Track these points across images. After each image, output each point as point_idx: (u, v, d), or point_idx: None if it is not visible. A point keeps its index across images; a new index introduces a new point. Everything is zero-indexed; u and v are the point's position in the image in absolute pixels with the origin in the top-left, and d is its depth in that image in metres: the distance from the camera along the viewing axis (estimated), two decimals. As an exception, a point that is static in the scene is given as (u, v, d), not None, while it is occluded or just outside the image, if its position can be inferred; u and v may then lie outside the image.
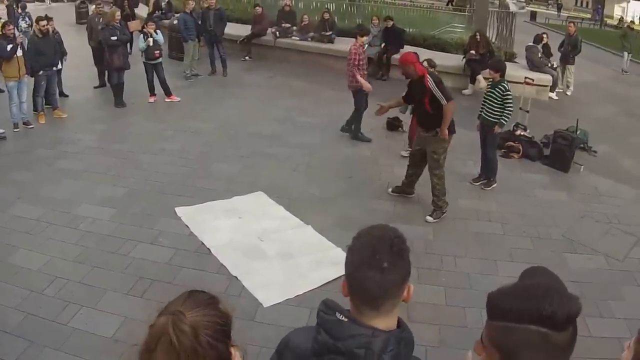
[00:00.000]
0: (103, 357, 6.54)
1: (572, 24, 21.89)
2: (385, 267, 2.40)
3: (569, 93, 20.01)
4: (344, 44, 20.29)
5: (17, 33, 14.01)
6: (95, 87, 17.69)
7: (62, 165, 11.82)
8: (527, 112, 14.33)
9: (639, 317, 7.59)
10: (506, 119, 11.03)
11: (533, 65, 18.98)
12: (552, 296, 2.12)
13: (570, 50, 19.98)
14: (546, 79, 18.68)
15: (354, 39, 13.43)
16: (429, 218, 10.15)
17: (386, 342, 2.39)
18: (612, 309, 7.84)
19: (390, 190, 10.76)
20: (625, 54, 27.61)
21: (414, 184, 10.70)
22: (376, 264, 2.40)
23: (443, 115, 9.65)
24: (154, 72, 16.19)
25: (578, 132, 13.70)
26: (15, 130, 13.78)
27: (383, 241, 2.47)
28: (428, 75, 9.62)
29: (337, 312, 2.49)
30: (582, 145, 13.78)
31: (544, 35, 20.41)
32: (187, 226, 9.49)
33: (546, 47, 19.92)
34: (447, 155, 10.08)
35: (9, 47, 13.24)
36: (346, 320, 2.46)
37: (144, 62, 16.16)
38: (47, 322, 7.08)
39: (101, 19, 17.09)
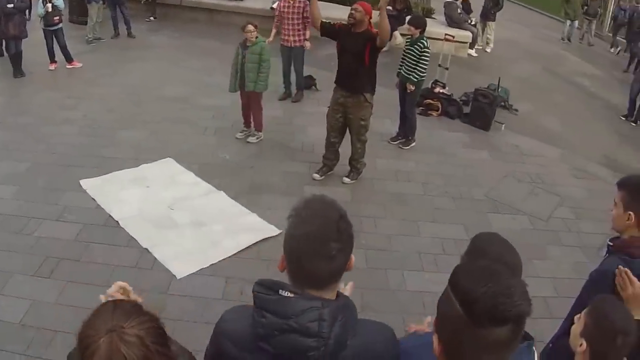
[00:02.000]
0: (11, 345, 6.31)
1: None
2: (334, 255, 2.39)
3: (488, 50, 20.13)
4: (252, 2, 20.06)
5: None
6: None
7: (-45, 144, 11.19)
8: (447, 69, 14.27)
9: (564, 276, 7.79)
10: (417, 76, 10.91)
11: (452, 22, 18.97)
12: (497, 292, 2.02)
13: (491, 7, 19.94)
14: (466, 35, 18.69)
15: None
16: (346, 179, 10.05)
17: (336, 310, 2.39)
18: (537, 269, 7.90)
19: (317, 176, 10.21)
20: (568, 22, 25.69)
21: (337, 153, 10.25)
22: (325, 253, 2.38)
23: (374, 68, 9.32)
24: (54, 39, 15.50)
25: (499, 90, 13.66)
26: None
27: (329, 226, 2.41)
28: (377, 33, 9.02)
29: (280, 290, 2.42)
30: (502, 104, 13.84)
31: (464, -7, 20.24)
32: (94, 199, 9.17)
33: (466, 4, 19.80)
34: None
35: None
36: (292, 295, 2.40)
37: (42, 29, 15.40)
38: None
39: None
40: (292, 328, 2.34)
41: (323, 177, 10.15)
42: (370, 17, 9.18)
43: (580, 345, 3.25)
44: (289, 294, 2.39)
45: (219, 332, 2.68)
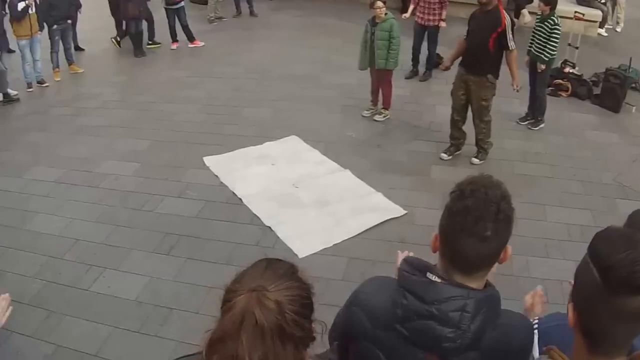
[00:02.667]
0: (127, 321, 6.24)
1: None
2: (488, 236, 2.19)
3: (618, 29, 19.01)
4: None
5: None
6: (113, 38, 16.91)
7: (80, 123, 11.26)
8: (577, 48, 13.54)
9: None
10: (548, 55, 10.33)
11: (582, 0, 18.07)
12: (635, 259, 1.85)
13: (620, -16, 18.89)
14: (596, 14, 17.63)
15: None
16: (475, 160, 9.59)
17: (481, 302, 2.24)
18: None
19: (444, 155, 9.78)
20: None
21: (463, 132, 9.81)
22: (479, 231, 2.19)
23: (508, 62, 8.98)
24: (176, 18, 15.46)
25: (630, 71, 12.87)
26: (29, 90, 13.15)
27: (489, 206, 2.21)
28: (504, 11, 8.77)
29: (428, 272, 2.29)
30: (633, 85, 13.02)
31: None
32: (217, 176, 9.04)
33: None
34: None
35: (21, 5, 12.56)
36: (440, 281, 2.27)
37: (164, 8, 15.40)
38: (67, 289, 6.75)
39: (115, -34, 16.30)
40: (432, 315, 2.22)
41: (451, 156, 9.74)
42: None
43: None
44: (437, 279, 2.27)
45: (356, 302, 2.57)
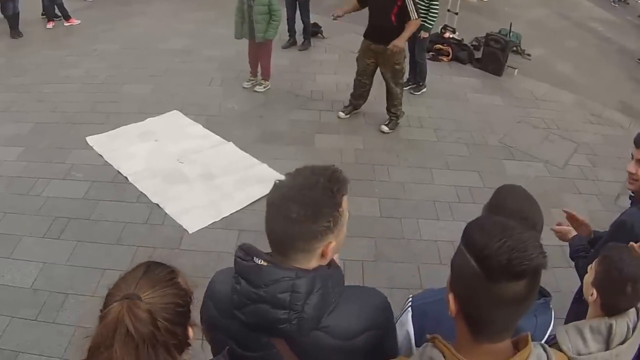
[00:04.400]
0: (23, 309, 6.23)
1: None
2: (295, 218, 2.24)
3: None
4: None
5: None
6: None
7: (-43, 108, 11.00)
8: (456, 14, 13.94)
9: None
10: (431, 23, 10.62)
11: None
12: (512, 246, 1.96)
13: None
14: (474, -22, 18.17)
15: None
16: (385, 128, 9.90)
17: (312, 280, 2.29)
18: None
19: (342, 114, 10.25)
20: None
21: (367, 95, 10.17)
22: (284, 211, 2.26)
23: (405, 28, 9.03)
24: (49, -4, 15.18)
25: (511, 35, 13.37)
26: None
27: (300, 189, 2.31)
28: None
29: (254, 257, 2.33)
30: (515, 48, 13.59)
31: None
32: (101, 155, 9.02)
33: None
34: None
35: None
36: (266, 264, 2.31)
37: (37, -13, 15.15)
38: None
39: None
40: (262, 298, 2.28)
41: (349, 115, 10.18)
42: None
43: (592, 294, 3.28)
44: (263, 262, 2.31)
45: (207, 292, 2.65)
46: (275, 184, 2.37)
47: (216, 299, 2.55)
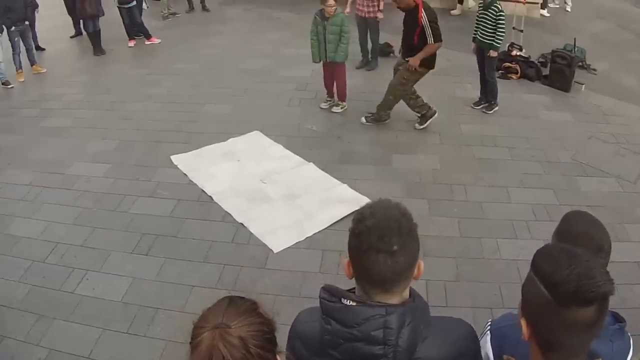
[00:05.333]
0: (115, 322, 6.41)
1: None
2: (396, 250, 2.26)
3: (568, 9, 19.44)
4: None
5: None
6: (71, 37, 17.22)
7: (48, 124, 11.45)
8: (521, 31, 13.90)
9: None
10: (499, 42, 10.64)
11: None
12: (580, 274, 2.03)
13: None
14: (536, -5, 18.10)
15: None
16: (363, 119, 10.79)
17: (402, 316, 2.30)
18: (629, 233, 7.61)
19: (363, 120, 10.73)
20: None
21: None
22: (385, 247, 2.25)
23: (425, 48, 9.56)
24: (130, 16, 15.64)
25: (576, 51, 13.31)
26: (-5, 92, 13.35)
27: (390, 222, 2.30)
28: (423, 10, 9.35)
29: (342, 298, 2.37)
30: (580, 64, 13.45)
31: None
32: (185, 174, 9.23)
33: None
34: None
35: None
36: (354, 304, 2.34)
37: (117, 7, 15.62)
38: (54, 292, 6.92)
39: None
40: (356, 337, 2.29)
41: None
42: None
43: None
44: (352, 303, 2.34)
45: (293, 331, 2.69)
46: (357, 220, 2.38)
47: (304, 339, 2.60)
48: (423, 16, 9.29)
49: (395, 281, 2.32)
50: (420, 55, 9.52)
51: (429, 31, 9.33)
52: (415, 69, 9.72)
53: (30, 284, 7.07)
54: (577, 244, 2.46)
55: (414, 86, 10.14)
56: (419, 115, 10.32)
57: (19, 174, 9.62)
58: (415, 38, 9.51)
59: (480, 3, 10.96)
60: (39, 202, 8.82)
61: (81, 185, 9.14)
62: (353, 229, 2.37)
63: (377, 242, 2.25)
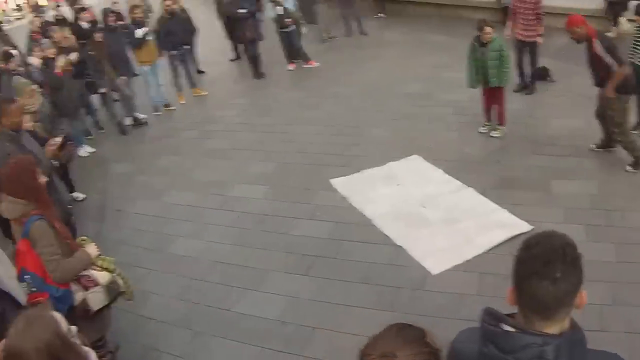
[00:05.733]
0: (273, 341, 6.46)
1: None
2: (559, 277, 2.27)
3: None
4: (477, -7, 19.73)
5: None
6: (231, 60, 17.77)
7: (209, 146, 11.80)
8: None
9: None
10: None
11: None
12: None
13: None
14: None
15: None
16: (629, 168, 9.47)
17: (558, 348, 2.27)
18: None
19: (593, 146, 10.00)
20: None
21: (612, 139, 9.87)
22: (548, 274, 2.27)
23: (611, 77, 9.03)
24: (289, 40, 15.89)
25: None
26: (157, 113, 14.04)
27: (555, 250, 2.32)
28: (596, 40, 8.93)
29: (502, 323, 2.37)
30: None
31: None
32: (345, 198, 9.23)
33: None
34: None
35: (138, 32, 13.39)
36: (514, 330, 2.33)
37: (277, 32, 15.94)
38: (212, 310, 7.07)
39: (226, -7, 16.87)
40: None
41: (600, 149, 10.01)
42: (583, 24, 9.07)
43: None
44: (511, 329, 2.32)
45: (452, 350, 2.70)
46: (523, 248, 2.40)
47: (462, 358, 2.61)
48: (597, 46, 8.86)
49: (556, 308, 2.31)
50: (612, 85, 9.01)
51: (609, 59, 8.83)
52: (612, 98, 9.17)
53: (189, 301, 7.26)
54: None
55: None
56: (635, 158, 9.54)
57: (181, 195, 9.95)
58: (598, 67, 9.08)
59: (637, 27, 10.51)
60: (201, 222, 9.06)
61: (241, 207, 9.32)
62: (519, 256, 2.39)
63: (541, 268, 2.28)
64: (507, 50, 10.52)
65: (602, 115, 9.60)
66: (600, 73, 9.11)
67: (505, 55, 10.46)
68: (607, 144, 9.88)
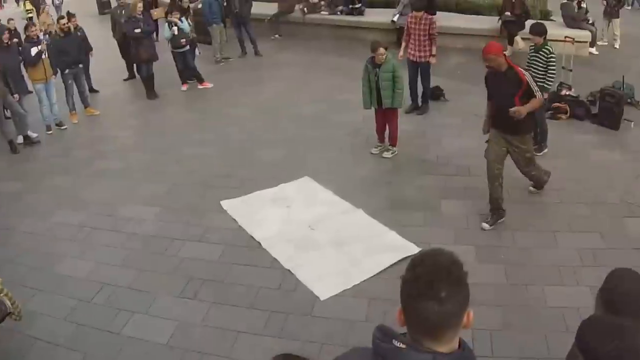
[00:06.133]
0: None
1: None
2: (444, 297, 2.27)
3: (617, 46, 19.51)
4: (374, 15, 20.09)
5: (41, 36, 13.99)
6: (124, 80, 17.62)
7: (100, 166, 11.65)
8: (570, 70, 13.85)
9: None
10: (549, 84, 10.62)
11: (571, 22, 18.54)
12: (624, 348, 2.08)
13: (614, 4, 19.42)
14: (585, 35, 18.02)
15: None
16: (532, 189, 9.81)
17: None
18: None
19: (487, 226, 9.09)
20: None
21: (501, 187, 9.33)
22: (434, 294, 2.27)
23: (530, 102, 8.61)
24: (183, 60, 15.92)
25: (625, 87, 13.21)
26: (49, 132, 13.77)
27: (440, 270, 2.34)
28: (519, 67, 8.67)
29: (393, 340, 2.36)
30: (629, 100, 13.31)
31: (580, -8, 19.90)
32: (235, 219, 9.24)
33: (581, 3, 19.42)
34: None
35: (34, 50, 13.12)
36: (404, 347, 2.33)
37: (172, 51, 15.93)
38: (100, 332, 6.97)
39: (123, 11, 16.81)
40: None
41: (493, 226, 9.10)
42: (502, 52, 8.76)
43: None
44: (402, 345, 2.33)
45: None
46: (408, 268, 2.40)
47: None
48: (524, 73, 8.55)
49: (443, 328, 2.32)
50: (529, 107, 8.51)
51: (533, 86, 8.54)
52: (525, 136, 8.93)
53: (76, 322, 7.14)
54: (622, 304, 2.46)
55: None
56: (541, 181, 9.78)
57: (70, 214, 9.77)
58: (517, 101, 8.48)
59: (532, 46, 10.92)
60: (88, 242, 8.93)
61: (131, 228, 9.23)
62: (405, 277, 2.38)
63: (426, 289, 2.27)
64: (400, 72, 10.72)
65: (502, 156, 9.10)
66: (516, 102, 8.53)
67: (399, 77, 10.67)
68: (499, 216, 9.43)
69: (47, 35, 15.13)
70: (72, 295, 7.66)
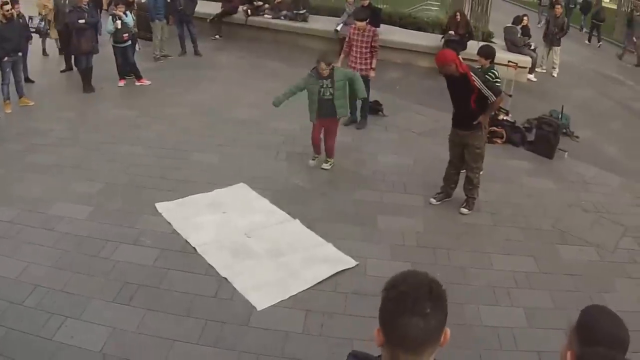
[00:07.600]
0: None
1: (559, 6, 21.60)
2: (428, 313, 2.34)
3: (555, 75, 19.99)
4: (318, 23, 20.14)
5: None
6: (61, 71, 17.25)
7: (32, 160, 11.32)
8: (510, 96, 14.06)
9: (632, 309, 7.34)
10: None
11: (513, 46, 18.93)
12: None
13: (557, 32, 19.91)
14: (526, 60, 18.50)
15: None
16: (465, 210, 9.97)
17: None
18: (607, 302, 7.58)
19: (433, 200, 10.21)
20: None
21: (456, 184, 10.26)
22: (419, 310, 2.33)
23: (487, 106, 9.30)
24: (123, 56, 15.70)
25: (562, 117, 13.51)
26: (-20, 122, 13.30)
27: (422, 287, 2.40)
28: (472, 73, 9.10)
29: None
30: (564, 131, 13.63)
31: (525, 18, 20.44)
32: (170, 223, 9.12)
33: (525, 28, 19.95)
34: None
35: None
36: None
37: (112, 45, 15.71)
38: (31, 337, 6.70)
39: (68, 1, 16.54)
40: None
41: (440, 202, 10.21)
42: (454, 61, 9.11)
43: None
44: None
45: None
46: (390, 287, 2.45)
47: None
48: (475, 80, 9.02)
49: (425, 345, 2.38)
50: (488, 113, 9.44)
51: (485, 91, 9.02)
52: (480, 133, 9.55)
53: (6, 326, 6.87)
54: (605, 344, 2.57)
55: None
56: (473, 197, 10.04)
57: (0, 210, 9.44)
58: (473, 103, 9.24)
59: (478, 68, 10.98)
60: (19, 241, 8.62)
61: (63, 227, 8.97)
62: (386, 295, 2.42)
63: (411, 305, 2.33)
64: (352, 74, 10.90)
65: (459, 156, 9.89)
66: (472, 107, 9.22)
67: (356, 78, 10.87)
68: (446, 195, 10.25)
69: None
70: (2, 296, 7.37)
